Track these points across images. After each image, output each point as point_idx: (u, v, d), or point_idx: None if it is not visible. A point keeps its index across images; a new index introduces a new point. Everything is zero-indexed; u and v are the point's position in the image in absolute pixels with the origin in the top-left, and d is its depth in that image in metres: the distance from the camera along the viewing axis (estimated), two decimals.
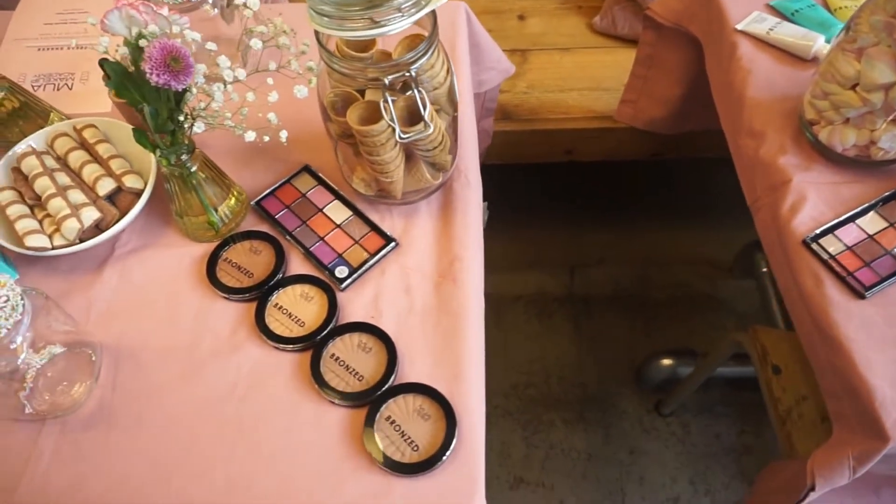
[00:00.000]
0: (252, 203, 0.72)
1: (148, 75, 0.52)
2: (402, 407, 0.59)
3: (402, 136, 0.57)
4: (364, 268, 0.67)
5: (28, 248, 0.64)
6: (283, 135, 0.60)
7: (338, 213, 0.71)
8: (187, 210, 0.68)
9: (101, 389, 0.61)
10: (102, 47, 0.58)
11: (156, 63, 0.52)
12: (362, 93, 0.63)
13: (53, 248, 0.65)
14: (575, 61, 1.28)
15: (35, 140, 0.72)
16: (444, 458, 0.56)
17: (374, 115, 0.61)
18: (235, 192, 0.70)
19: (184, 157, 0.62)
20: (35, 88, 0.82)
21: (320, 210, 0.71)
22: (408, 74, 0.54)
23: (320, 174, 0.74)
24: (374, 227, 0.70)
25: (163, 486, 0.56)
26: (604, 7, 1.30)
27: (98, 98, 0.82)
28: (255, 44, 0.56)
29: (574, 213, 1.57)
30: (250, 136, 0.57)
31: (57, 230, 0.66)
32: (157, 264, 0.69)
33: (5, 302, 0.50)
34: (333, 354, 0.61)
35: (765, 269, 1.40)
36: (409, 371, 0.61)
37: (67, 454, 0.58)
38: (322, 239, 0.69)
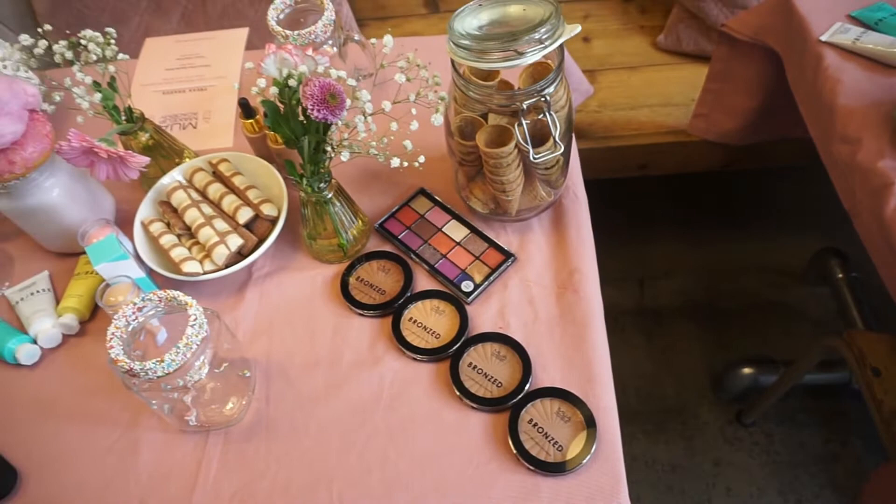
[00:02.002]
0: (375, 225, 0.77)
1: (309, 111, 0.58)
2: (541, 410, 0.62)
3: (535, 156, 0.61)
4: (487, 282, 0.71)
5: (185, 274, 0.70)
6: (422, 159, 0.64)
7: (456, 231, 0.76)
8: (319, 234, 0.73)
9: (257, 402, 0.66)
10: (255, 90, 0.64)
11: (316, 100, 0.57)
12: (485, 118, 0.68)
13: (204, 273, 0.71)
14: (643, 79, 1.32)
15: (177, 174, 0.78)
16: (589, 457, 0.59)
17: (498, 138, 0.66)
18: (361, 217, 0.75)
19: (323, 184, 0.68)
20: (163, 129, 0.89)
21: (440, 229, 0.76)
22: (543, 100, 0.59)
23: (435, 196, 0.79)
24: (492, 244, 0.74)
25: (325, 491, 0.60)
26: (668, 25, 1.34)
27: (221, 134, 0.88)
28: (400, 78, 0.61)
29: (640, 226, 1.59)
30: (395, 162, 0.62)
31: (207, 256, 0.71)
32: (293, 285, 0.74)
33: (194, 321, 0.55)
34: (471, 363, 0.65)
35: (840, 275, 1.40)
36: (543, 376, 0.65)
37: (233, 462, 0.63)
38: (445, 256, 0.74)
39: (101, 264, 0.66)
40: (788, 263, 1.53)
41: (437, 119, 0.62)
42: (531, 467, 0.59)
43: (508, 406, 0.62)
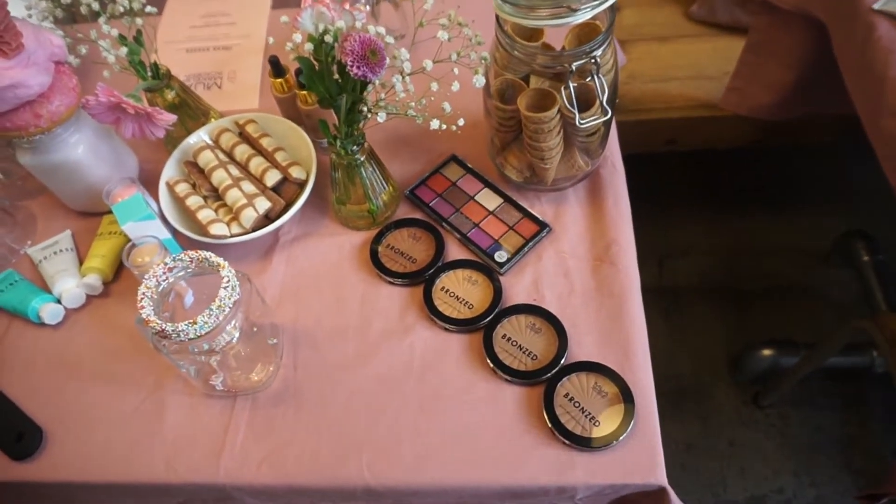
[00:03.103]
0: (405, 192, 0.75)
1: (348, 67, 0.55)
2: (577, 384, 0.60)
3: (581, 121, 0.58)
4: (522, 252, 0.69)
5: (212, 237, 0.68)
6: (461, 122, 0.62)
7: (489, 200, 0.73)
8: (348, 199, 0.71)
9: (284, 369, 0.65)
10: (289, 46, 0.61)
11: (356, 56, 0.55)
12: (525, 81, 0.65)
13: (232, 236, 0.69)
14: (674, 50, 1.28)
15: (202, 135, 0.76)
16: (626, 433, 0.57)
17: (540, 102, 0.63)
18: (392, 183, 0.73)
19: (356, 147, 0.65)
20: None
21: (472, 198, 0.74)
22: (592, 61, 0.56)
23: (467, 163, 0.76)
24: (527, 213, 0.72)
25: (354, 460, 0.59)
26: None
27: (246, 95, 0.86)
28: (443, 35, 0.58)
29: (661, 202, 1.56)
30: (435, 124, 0.59)
31: (234, 219, 0.70)
32: (320, 251, 0.73)
33: (227, 283, 0.53)
34: (505, 335, 0.64)
35: (866, 258, 1.37)
36: (578, 350, 0.63)
37: (261, 428, 0.62)
38: (477, 225, 0.72)
39: (128, 224, 0.64)
40: (812, 245, 1.51)
41: (479, 80, 0.60)
42: (567, 441, 0.57)
43: (544, 379, 0.61)
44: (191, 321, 0.51)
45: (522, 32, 0.62)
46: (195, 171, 0.73)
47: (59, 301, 0.70)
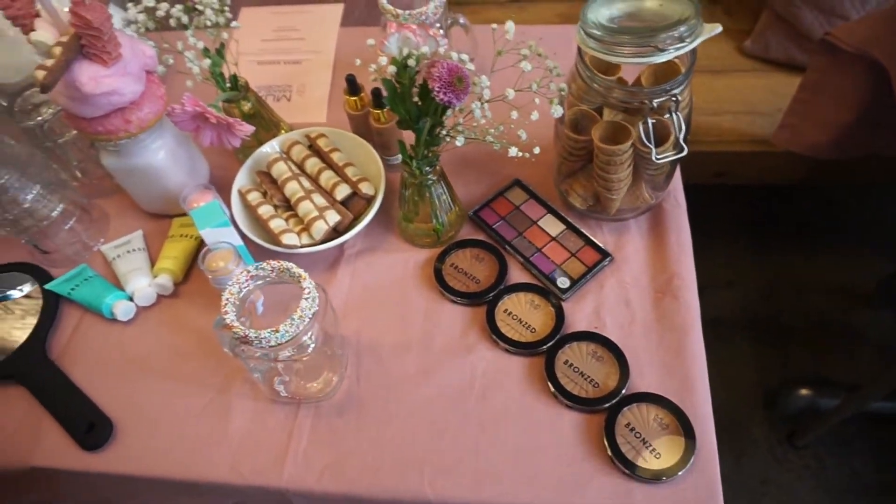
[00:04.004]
0: (469, 213, 0.76)
1: (434, 92, 0.57)
2: (638, 415, 0.61)
3: (658, 156, 0.60)
4: (583, 280, 0.70)
5: (284, 246, 0.70)
6: (536, 150, 0.63)
7: (552, 226, 0.75)
8: (415, 217, 0.73)
9: (348, 380, 0.66)
10: (373, 67, 0.63)
11: (443, 82, 0.57)
12: (598, 112, 0.66)
13: (301, 246, 0.71)
14: (727, 84, 1.29)
15: (274, 146, 0.78)
16: (686, 468, 0.58)
17: (613, 134, 0.65)
18: (458, 203, 0.74)
19: (429, 168, 0.67)
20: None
21: (535, 223, 0.75)
22: (672, 99, 0.57)
23: (531, 188, 0.78)
24: (589, 241, 0.73)
25: (415, 475, 0.60)
26: (756, 31, 1.30)
27: (315, 109, 0.88)
28: (526, 66, 0.60)
29: (706, 233, 1.56)
30: (513, 151, 0.61)
31: (304, 230, 0.72)
32: (384, 266, 0.74)
33: (308, 294, 0.55)
34: (567, 361, 0.65)
35: None
36: (639, 381, 0.64)
37: (324, 436, 0.63)
38: (539, 250, 0.73)
39: (206, 229, 0.66)
40: (856, 285, 1.49)
41: (557, 111, 0.61)
42: (626, 471, 0.58)
43: (605, 408, 0.61)
44: (273, 329, 0.53)
45: (599, 66, 0.64)
46: (267, 181, 0.75)
47: (131, 299, 0.73)
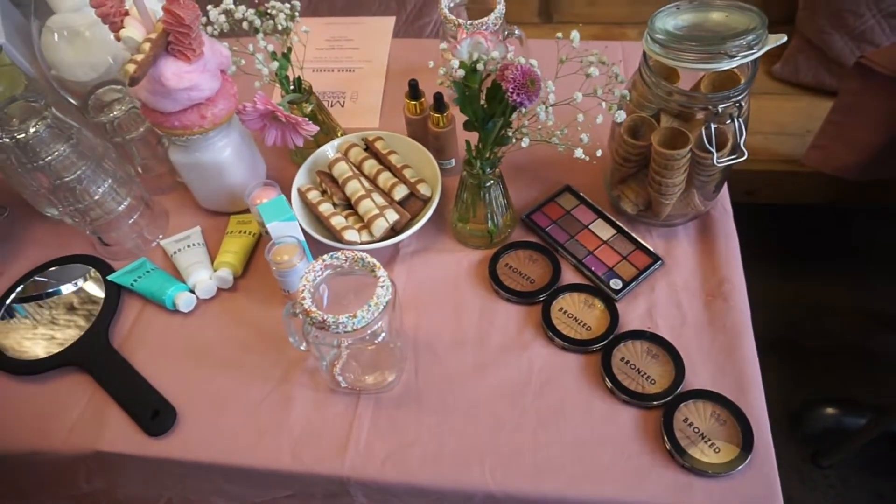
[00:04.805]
0: (522, 216, 0.79)
1: (508, 94, 0.60)
2: (695, 411, 0.62)
3: (719, 160, 0.62)
4: (635, 282, 0.72)
5: (345, 242, 0.72)
6: (599, 153, 0.66)
7: (603, 230, 0.77)
8: (470, 218, 0.75)
9: (407, 373, 0.68)
10: (443, 71, 0.66)
11: (517, 84, 0.59)
12: (655, 119, 0.69)
13: (361, 243, 0.73)
14: (757, 106, 1.29)
15: (332, 147, 0.81)
16: (745, 463, 0.59)
17: (671, 140, 0.67)
18: (512, 206, 0.77)
19: (490, 169, 0.70)
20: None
21: (586, 227, 0.77)
22: (736, 105, 0.60)
23: (581, 193, 0.80)
24: (639, 245, 0.75)
25: (477, 465, 0.61)
26: (786, 55, 1.34)
27: (368, 115, 0.91)
28: (594, 72, 0.62)
29: None
30: (578, 153, 0.63)
31: (364, 227, 0.74)
32: (439, 265, 0.76)
33: (383, 282, 0.57)
34: (623, 358, 0.66)
35: None
36: (693, 379, 0.65)
37: (384, 427, 0.64)
38: (591, 253, 0.75)
39: (273, 223, 0.68)
40: (879, 308, 1.50)
41: (620, 116, 0.63)
42: (686, 465, 0.59)
43: (661, 403, 0.63)
44: (350, 314, 0.55)
45: (660, 72, 0.66)
46: (328, 180, 0.78)
47: (192, 291, 0.75)
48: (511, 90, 0.59)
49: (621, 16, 1.49)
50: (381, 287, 0.57)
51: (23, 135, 0.65)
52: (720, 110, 0.60)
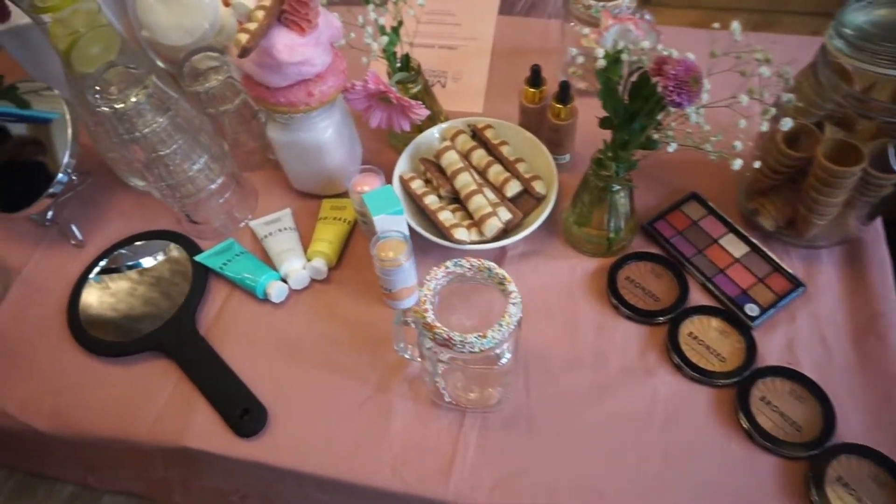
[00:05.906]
0: (644, 224, 0.71)
1: (668, 92, 0.52)
2: (848, 469, 0.55)
3: None
4: (774, 309, 0.64)
5: (455, 241, 0.66)
6: (756, 164, 0.58)
7: (734, 246, 0.69)
8: (588, 222, 0.68)
9: (516, 392, 0.62)
10: (574, 53, 0.58)
11: (679, 81, 0.52)
12: (818, 128, 0.60)
13: (470, 243, 0.67)
14: None
15: (438, 133, 0.74)
16: None
17: (837, 154, 0.59)
18: (635, 213, 0.69)
19: (625, 172, 0.62)
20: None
21: (715, 241, 0.69)
22: None
23: (709, 202, 0.72)
24: (778, 268, 0.67)
25: (596, 502, 0.55)
26: None
27: (472, 97, 0.84)
28: (765, 72, 0.54)
29: None
30: (737, 163, 0.55)
31: (474, 225, 0.67)
32: (550, 272, 0.70)
33: (515, 299, 0.51)
34: (763, 397, 0.59)
35: None
36: (844, 429, 0.57)
37: (492, 450, 0.59)
38: (722, 271, 0.67)
39: (381, 216, 0.62)
40: None
41: (787, 123, 0.55)
42: None
43: (808, 455, 0.56)
44: (480, 334, 0.49)
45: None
46: (434, 170, 0.71)
47: (284, 280, 0.70)
48: (671, 88, 0.52)
49: (725, 1, 1.37)
50: (514, 304, 0.51)
51: (122, 104, 0.60)
52: None
